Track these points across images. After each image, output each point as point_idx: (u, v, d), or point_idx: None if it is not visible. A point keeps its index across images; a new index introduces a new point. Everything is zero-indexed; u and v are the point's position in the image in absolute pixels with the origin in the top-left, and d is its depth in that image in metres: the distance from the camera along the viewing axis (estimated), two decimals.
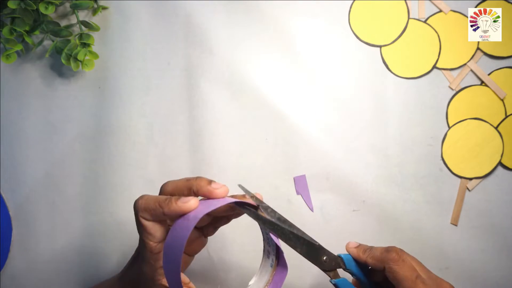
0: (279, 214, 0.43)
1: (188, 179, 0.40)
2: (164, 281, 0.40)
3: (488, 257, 0.57)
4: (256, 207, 0.42)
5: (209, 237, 0.47)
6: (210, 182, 0.40)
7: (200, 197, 0.40)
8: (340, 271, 0.45)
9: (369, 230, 0.58)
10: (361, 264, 0.46)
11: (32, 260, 0.59)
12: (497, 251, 0.57)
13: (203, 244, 0.46)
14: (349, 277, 0.46)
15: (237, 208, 0.41)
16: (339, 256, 0.45)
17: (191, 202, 0.37)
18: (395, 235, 0.58)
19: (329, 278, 0.44)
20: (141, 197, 0.40)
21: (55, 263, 0.59)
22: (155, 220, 0.39)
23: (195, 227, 0.44)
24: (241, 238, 0.58)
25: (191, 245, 0.46)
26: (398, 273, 0.43)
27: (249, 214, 0.41)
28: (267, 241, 0.43)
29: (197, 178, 0.40)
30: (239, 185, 0.43)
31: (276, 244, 0.41)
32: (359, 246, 0.46)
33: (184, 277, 0.41)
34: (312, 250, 0.43)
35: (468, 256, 0.57)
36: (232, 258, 0.58)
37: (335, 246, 0.58)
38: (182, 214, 0.38)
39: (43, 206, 0.59)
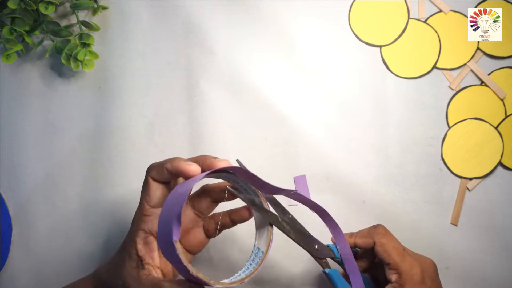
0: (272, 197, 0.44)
1: (195, 157, 0.42)
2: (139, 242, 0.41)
3: (488, 257, 0.57)
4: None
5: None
6: (215, 158, 0.41)
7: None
8: (330, 262, 0.48)
9: None
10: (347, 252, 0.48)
11: (32, 260, 0.59)
12: (497, 251, 0.57)
13: (205, 244, 0.47)
14: (338, 267, 0.48)
15: (234, 179, 0.42)
16: (328, 246, 0.48)
17: (193, 167, 0.39)
18: (395, 235, 0.57)
19: (322, 268, 0.47)
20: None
21: (55, 263, 0.59)
22: (160, 180, 0.41)
23: (203, 227, 0.46)
24: (241, 238, 0.58)
25: (193, 242, 0.46)
26: (387, 244, 0.46)
27: (244, 193, 0.42)
28: (259, 236, 0.44)
29: (204, 155, 0.41)
30: (237, 160, 0.46)
31: (270, 242, 0.42)
32: (345, 234, 0.49)
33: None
34: (304, 238, 0.46)
35: (468, 256, 0.57)
36: (232, 258, 0.58)
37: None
38: (182, 176, 0.39)
39: (43, 206, 0.59)
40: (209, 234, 0.46)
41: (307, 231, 0.47)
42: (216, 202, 0.46)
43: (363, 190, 0.58)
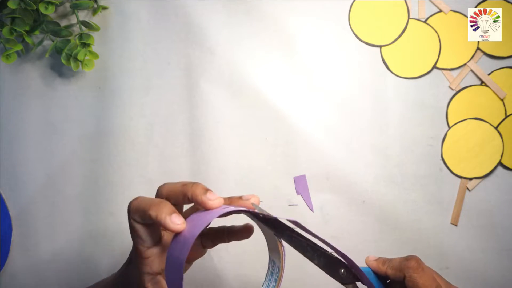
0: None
1: (184, 184, 0.38)
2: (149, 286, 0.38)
3: (488, 257, 0.57)
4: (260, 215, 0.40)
5: None
6: (206, 191, 0.37)
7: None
8: (359, 284, 0.44)
9: (369, 230, 0.58)
10: (380, 277, 0.44)
11: (32, 260, 0.59)
12: (497, 251, 0.57)
13: (202, 254, 0.45)
14: None
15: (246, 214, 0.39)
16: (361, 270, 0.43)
17: (175, 220, 0.34)
18: (395, 235, 0.58)
19: None
20: (136, 198, 0.38)
21: (55, 263, 0.59)
22: (146, 223, 0.36)
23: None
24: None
25: (190, 253, 0.44)
26: (418, 282, 0.42)
27: (262, 222, 0.39)
28: (273, 262, 0.41)
29: (193, 184, 0.37)
30: (253, 204, 0.40)
31: (283, 256, 0.40)
32: (379, 258, 0.45)
33: None
34: (330, 263, 0.42)
35: (468, 256, 0.57)
36: (232, 259, 0.58)
37: (336, 246, 0.58)
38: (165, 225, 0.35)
39: (43, 206, 0.59)
40: (205, 245, 0.44)
41: (333, 254, 0.42)
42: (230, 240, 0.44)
43: (363, 190, 0.58)
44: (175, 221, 0.34)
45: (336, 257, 0.42)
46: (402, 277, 0.43)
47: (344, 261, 0.40)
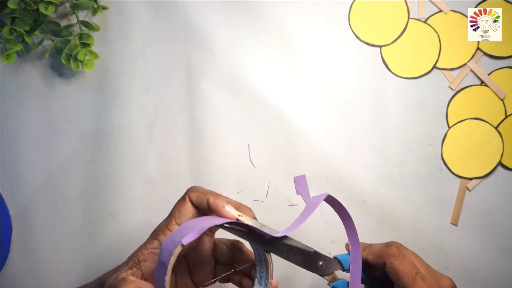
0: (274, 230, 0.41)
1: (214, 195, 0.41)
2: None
3: (488, 257, 0.57)
4: (244, 226, 0.40)
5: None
6: (227, 203, 0.41)
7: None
8: (339, 273, 0.45)
9: (369, 230, 0.58)
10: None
11: (32, 260, 0.59)
12: (497, 251, 0.57)
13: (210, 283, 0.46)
14: (347, 277, 0.45)
15: (227, 228, 0.40)
16: (335, 258, 0.45)
17: (231, 214, 0.40)
18: (395, 235, 0.58)
19: (327, 282, 0.44)
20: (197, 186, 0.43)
21: (55, 263, 0.59)
22: (196, 205, 0.41)
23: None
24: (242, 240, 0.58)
25: (199, 279, 0.45)
26: (398, 269, 0.43)
27: (240, 235, 0.40)
28: (260, 264, 0.42)
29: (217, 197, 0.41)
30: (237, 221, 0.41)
31: (271, 266, 0.40)
32: (360, 243, 0.46)
33: None
34: (307, 258, 0.42)
35: (468, 256, 0.57)
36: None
37: (336, 246, 0.58)
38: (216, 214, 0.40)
39: (43, 206, 0.59)
40: (217, 279, 0.45)
41: (310, 249, 0.43)
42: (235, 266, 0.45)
43: (363, 190, 0.58)
44: (228, 212, 0.39)
45: (313, 252, 0.43)
46: (383, 264, 0.44)
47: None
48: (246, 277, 0.43)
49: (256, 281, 0.42)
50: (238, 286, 0.44)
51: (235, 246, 0.44)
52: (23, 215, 0.59)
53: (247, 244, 0.44)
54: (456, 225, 0.58)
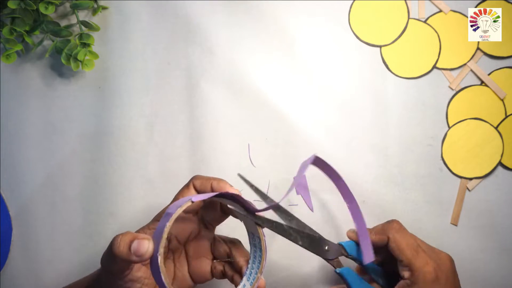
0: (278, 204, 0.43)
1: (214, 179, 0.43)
2: None
3: (488, 257, 0.57)
4: (244, 204, 0.42)
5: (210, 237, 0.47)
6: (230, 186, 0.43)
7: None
8: (343, 259, 0.47)
9: None
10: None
11: (32, 260, 0.59)
12: (497, 251, 0.57)
13: (208, 279, 0.46)
14: (352, 264, 0.47)
15: (227, 202, 0.42)
16: (339, 244, 0.47)
17: (231, 187, 0.42)
18: None
19: (334, 268, 0.46)
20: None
21: (55, 263, 0.59)
22: (199, 191, 0.43)
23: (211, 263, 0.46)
24: (243, 240, 0.58)
25: (197, 271, 0.45)
26: (400, 241, 0.45)
27: (239, 212, 0.42)
28: (254, 256, 0.43)
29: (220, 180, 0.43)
30: (239, 174, 0.46)
31: (264, 245, 0.42)
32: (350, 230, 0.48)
33: None
34: (313, 242, 0.45)
35: (468, 256, 0.57)
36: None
37: None
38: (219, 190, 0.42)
39: (43, 206, 0.59)
40: (214, 273, 0.45)
41: (316, 233, 0.46)
42: (226, 214, 0.45)
43: (363, 190, 0.58)
44: (234, 189, 0.42)
45: (318, 236, 0.46)
46: (386, 240, 0.46)
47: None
48: (238, 274, 0.44)
49: (244, 278, 0.43)
50: (231, 281, 0.45)
51: (233, 243, 0.45)
52: (23, 215, 0.59)
53: (246, 245, 0.44)
54: (456, 225, 0.58)
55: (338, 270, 0.46)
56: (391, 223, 0.48)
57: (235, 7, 0.59)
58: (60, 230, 0.59)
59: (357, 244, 0.48)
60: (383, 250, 0.48)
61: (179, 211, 0.37)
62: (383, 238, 0.47)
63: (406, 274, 0.45)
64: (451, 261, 0.48)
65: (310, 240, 0.45)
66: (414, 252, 0.45)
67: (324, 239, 0.46)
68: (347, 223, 0.58)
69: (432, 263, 0.45)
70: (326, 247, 0.46)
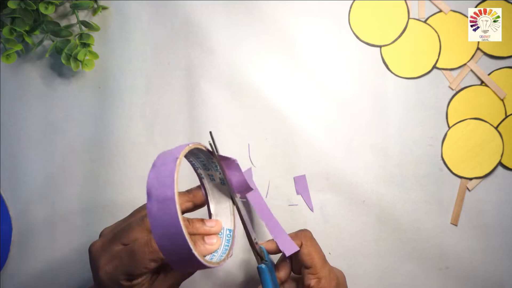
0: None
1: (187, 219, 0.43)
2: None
3: (488, 257, 0.57)
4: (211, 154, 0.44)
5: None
6: (204, 223, 0.44)
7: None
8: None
9: (369, 230, 0.58)
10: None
11: (32, 260, 0.59)
12: (497, 251, 0.57)
13: None
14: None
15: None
16: (260, 247, 0.48)
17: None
18: (395, 235, 0.58)
19: (257, 264, 0.47)
20: None
21: (55, 263, 0.59)
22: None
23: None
24: (243, 239, 0.58)
25: None
26: (313, 249, 0.47)
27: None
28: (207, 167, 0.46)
29: (193, 221, 0.43)
30: (210, 132, 0.47)
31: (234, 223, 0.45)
32: (269, 240, 0.49)
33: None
34: (250, 230, 0.46)
35: (468, 256, 0.57)
36: (232, 258, 0.58)
37: (335, 246, 0.58)
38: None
39: (43, 206, 0.59)
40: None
41: (254, 235, 0.47)
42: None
43: (363, 190, 0.58)
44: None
45: (254, 239, 0.47)
46: (299, 245, 0.48)
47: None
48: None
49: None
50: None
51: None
52: (23, 215, 0.59)
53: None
54: (456, 225, 0.58)
55: (258, 266, 0.46)
56: (305, 231, 0.49)
57: (235, 7, 0.59)
58: (60, 230, 0.59)
59: (269, 251, 0.48)
60: (288, 266, 0.49)
61: (185, 150, 0.38)
62: (297, 243, 0.48)
63: (313, 282, 0.46)
64: (345, 278, 0.51)
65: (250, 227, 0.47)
66: (323, 262, 0.47)
67: (256, 242, 0.47)
68: (347, 223, 0.58)
69: (334, 275, 0.48)
70: (258, 247, 0.47)
